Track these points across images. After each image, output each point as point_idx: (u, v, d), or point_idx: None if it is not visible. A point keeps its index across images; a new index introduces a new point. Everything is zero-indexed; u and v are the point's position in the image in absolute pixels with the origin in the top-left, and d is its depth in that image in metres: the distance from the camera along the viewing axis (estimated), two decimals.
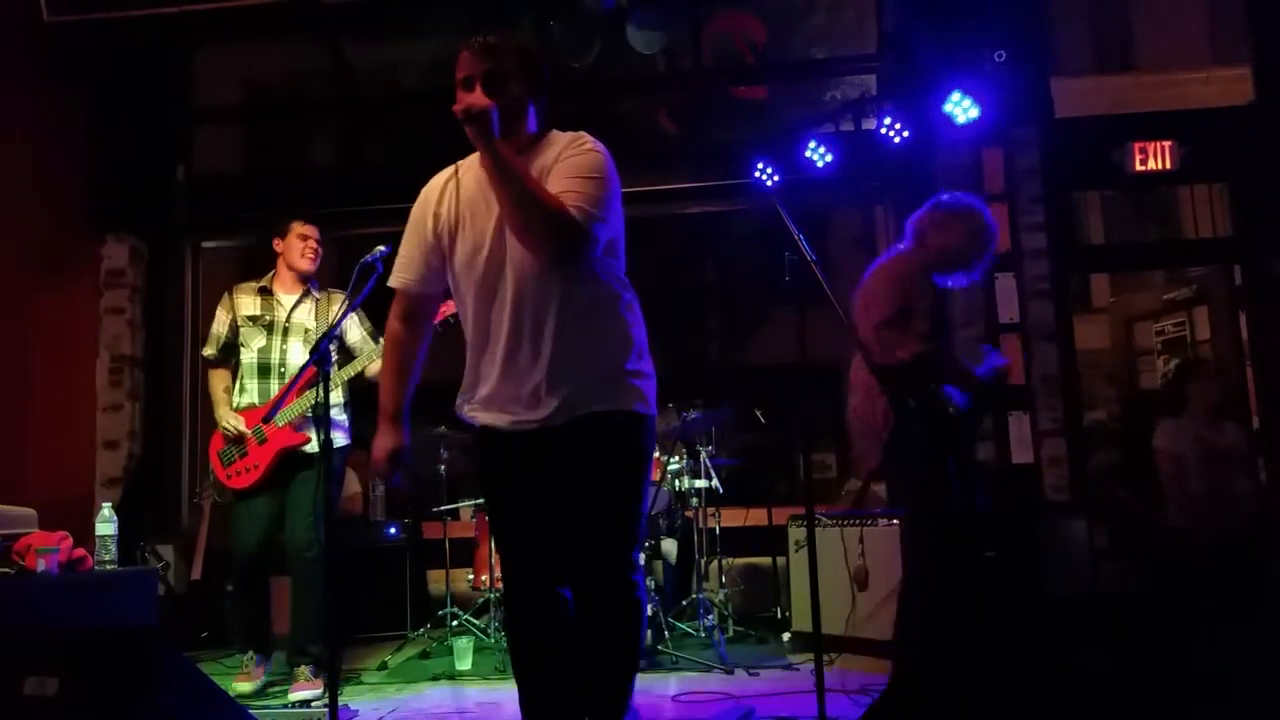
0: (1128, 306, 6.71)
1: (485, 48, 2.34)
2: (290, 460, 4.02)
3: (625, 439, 2.41)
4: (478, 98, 2.28)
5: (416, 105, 6.88)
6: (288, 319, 4.11)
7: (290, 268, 4.17)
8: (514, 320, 2.37)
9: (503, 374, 2.40)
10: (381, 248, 2.85)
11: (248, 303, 4.14)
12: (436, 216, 2.49)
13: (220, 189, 6.53)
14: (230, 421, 4.02)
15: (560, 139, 2.44)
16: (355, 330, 4.15)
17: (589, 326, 2.38)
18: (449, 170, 2.54)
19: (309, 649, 3.97)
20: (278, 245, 4.19)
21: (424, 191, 2.56)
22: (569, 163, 2.35)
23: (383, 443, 2.60)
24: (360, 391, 4.22)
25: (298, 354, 4.05)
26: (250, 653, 4.10)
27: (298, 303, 4.15)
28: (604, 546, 2.40)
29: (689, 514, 5.07)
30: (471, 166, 2.48)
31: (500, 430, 2.43)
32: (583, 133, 2.45)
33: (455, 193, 2.47)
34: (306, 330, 4.09)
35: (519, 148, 2.38)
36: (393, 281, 2.59)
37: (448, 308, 3.77)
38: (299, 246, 4.14)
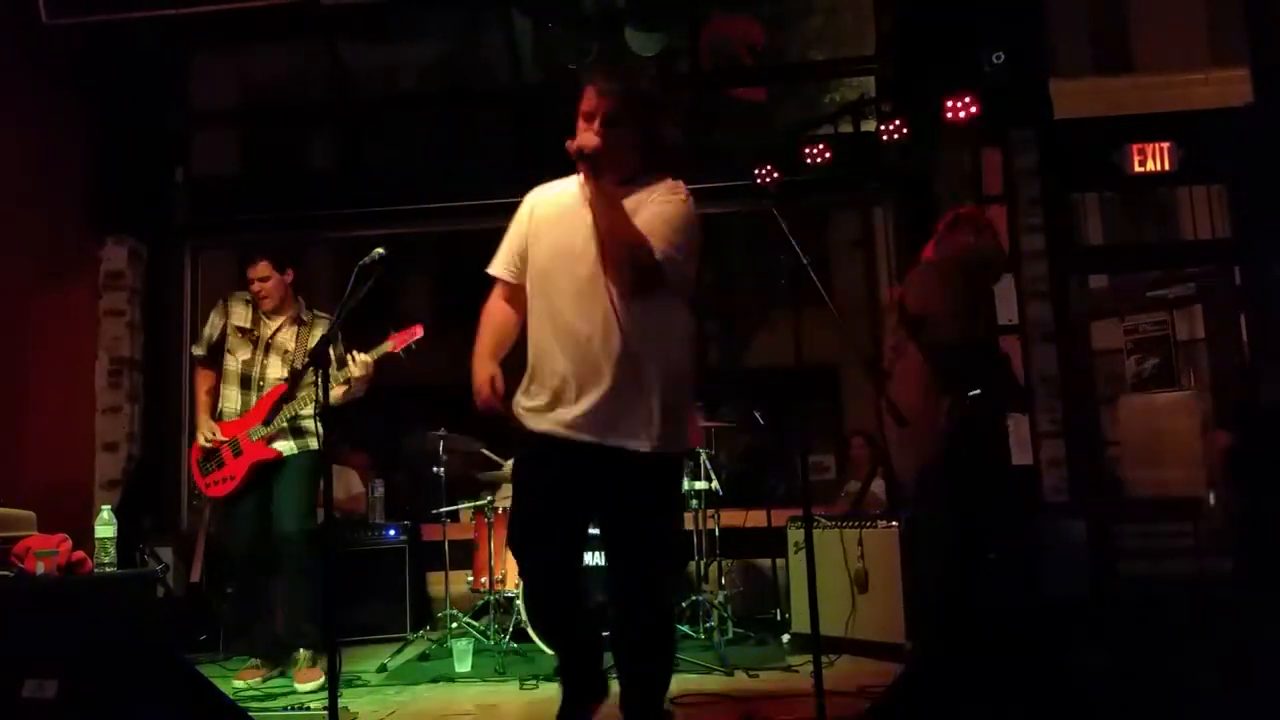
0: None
1: (611, 90, 2.62)
2: (266, 469, 4.19)
3: (674, 478, 2.80)
4: (589, 138, 2.53)
5: (414, 107, 6.89)
6: (271, 337, 4.30)
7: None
8: (591, 332, 2.58)
9: (566, 382, 2.60)
10: (380, 250, 2.87)
11: (240, 313, 4.33)
12: (531, 217, 2.77)
13: (219, 191, 6.53)
14: (206, 432, 4.20)
15: (660, 184, 2.71)
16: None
17: (665, 353, 2.61)
18: (552, 184, 2.83)
19: (306, 630, 4.10)
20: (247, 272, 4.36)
21: (528, 197, 2.85)
22: (659, 209, 2.62)
23: (480, 374, 2.70)
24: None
25: (276, 371, 4.26)
26: (254, 660, 4.23)
27: (283, 325, 4.33)
28: (649, 574, 2.71)
29: (688, 517, 5.07)
30: (569, 183, 2.76)
31: (554, 437, 2.62)
32: (680, 183, 2.74)
33: (550, 201, 2.76)
34: (286, 351, 4.28)
35: (626, 180, 2.66)
36: (492, 269, 2.85)
37: (411, 333, 4.03)
38: (254, 290, 4.29)
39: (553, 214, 2.72)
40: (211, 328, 4.35)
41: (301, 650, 4.16)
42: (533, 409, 2.67)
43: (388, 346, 4.06)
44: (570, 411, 2.58)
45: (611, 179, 2.58)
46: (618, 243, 2.53)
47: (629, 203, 2.61)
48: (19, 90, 5.51)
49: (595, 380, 2.56)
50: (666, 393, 2.60)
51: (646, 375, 2.57)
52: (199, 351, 4.40)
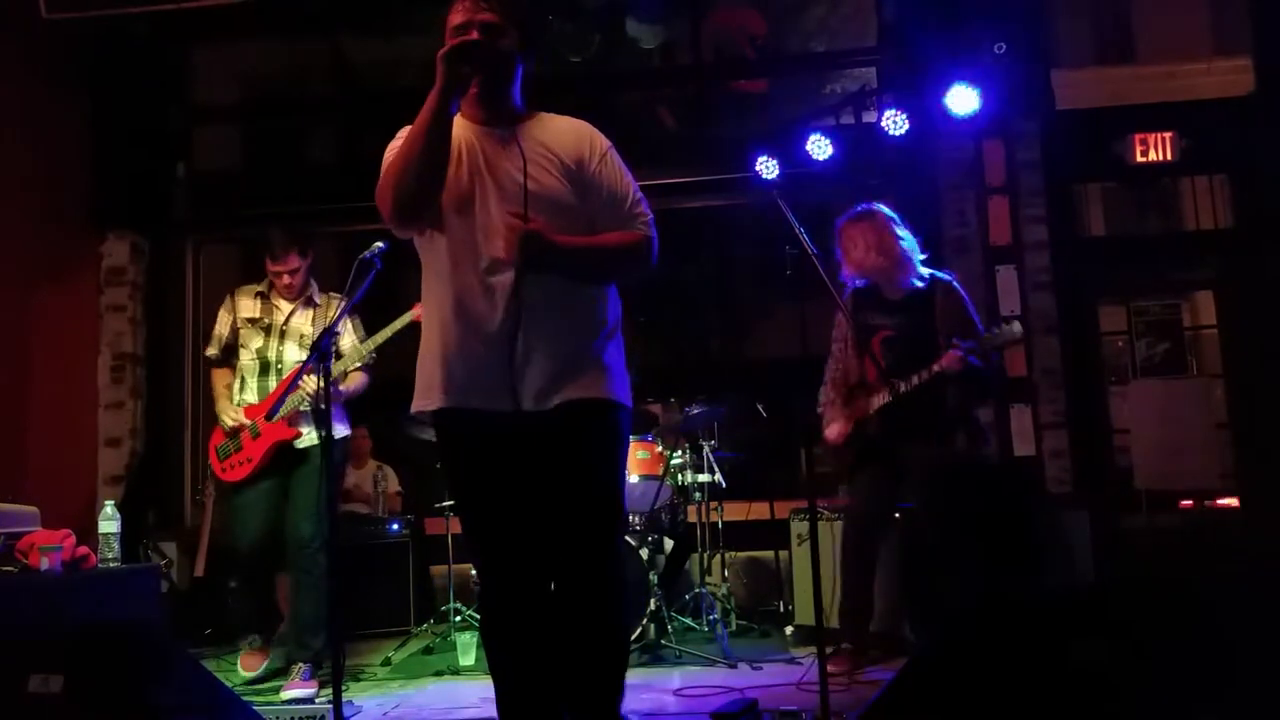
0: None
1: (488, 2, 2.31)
2: (286, 455, 4.06)
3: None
4: (523, 242, 2.18)
5: (415, 101, 6.86)
6: (285, 322, 4.17)
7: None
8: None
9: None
10: (380, 244, 2.86)
11: (247, 305, 4.21)
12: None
13: (220, 186, 6.53)
14: (229, 414, 4.09)
15: (565, 124, 2.42)
16: (348, 338, 4.19)
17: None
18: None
19: (310, 643, 3.98)
20: (269, 265, 4.20)
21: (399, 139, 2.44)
22: (617, 182, 2.36)
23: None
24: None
25: (294, 354, 4.11)
26: (254, 636, 4.14)
27: (296, 309, 4.20)
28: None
29: (691, 509, 5.08)
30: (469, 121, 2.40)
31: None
32: (590, 125, 2.43)
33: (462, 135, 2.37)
34: (302, 335, 4.15)
35: (510, 115, 2.37)
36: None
37: None
38: (274, 281, 4.18)
39: (467, 151, 2.35)
40: (221, 325, 4.23)
41: (298, 664, 3.99)
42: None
43: (412, 315, 3.87)
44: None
45: (499, 105, 2.35)
46: (619, 270, 2.40)
47: (543, 142, 2.33)
48: (19, 85, 5.50)
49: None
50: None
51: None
52: (212, 352, 4.25)
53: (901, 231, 3.92)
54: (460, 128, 2.37)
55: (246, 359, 4.15)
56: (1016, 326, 3.68)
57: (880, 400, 3.84)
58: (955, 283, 3.94)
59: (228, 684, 3.02)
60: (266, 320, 4.16)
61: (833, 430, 3.99)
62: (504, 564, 2.35)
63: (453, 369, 2.30)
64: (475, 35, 2.25)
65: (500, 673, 2.39)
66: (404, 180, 2.27)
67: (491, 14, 2.30)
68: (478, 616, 4.83)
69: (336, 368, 4.06)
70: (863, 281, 3.94)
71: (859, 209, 3.98)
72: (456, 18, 2.33)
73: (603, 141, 2.41)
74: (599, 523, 2.32)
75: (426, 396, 2.36)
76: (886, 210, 3.97)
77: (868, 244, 3.86)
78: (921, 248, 3.98)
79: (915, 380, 3.74)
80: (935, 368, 3.69)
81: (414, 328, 3.88)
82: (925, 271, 3.95)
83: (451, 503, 2.73)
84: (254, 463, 4.04)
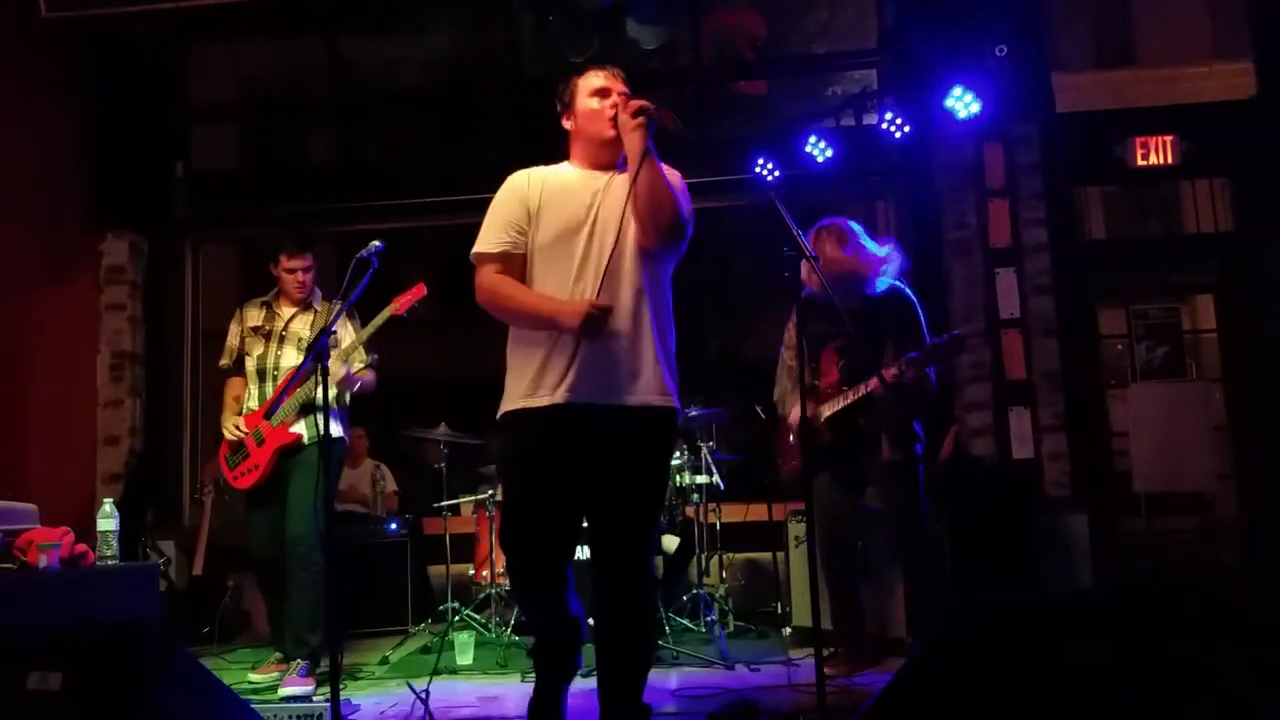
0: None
1: (620, 73, 2.79)
2: (288, 456, 4.09)
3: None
4: (646, 102, 2.62)
5: (414, 102, 6.88)
6: (284, 328, 4.22)
7: (285, 295, 4.29)
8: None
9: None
10: (376, 243, 2.87)
11: (253, 315, 4.29)
12: (528, 198, 2.72)
13: (219, 185, 6.54)
14: (230, 427, 4.16)
15: None
16: (348, 337, 4.19)
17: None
18: (529, 171, 2.79)
19: (306, 640, 3.99)
20: (274, 271, 4.27)
21: (510, 182, 2.79)
22: (670, 176, 2.74)
23: (575, 303, 2.59)
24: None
25: (290, 359, 4.16)
26: (278, 654, 4.16)
27: (296, 314, 4.26)
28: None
29: (689, 511, 5.08)
30: (553, 172, 2.78)
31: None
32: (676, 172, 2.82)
33: (540, 185, 2.74)
34: (300, 339, 4.19)
35: (612, 165, 2.77)
36: (487, 247, 2.71)
37: (415, 293, 3.90)
38: (286, 279, 4.24)
39: (552, 193, 2.72)
40: (232, 337, 4.30)
41: (295, 660, 3.99)
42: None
43: (390, 310, 3.94)
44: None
45: (611, 158, 2.74)
46: (663, 204, 2.64)
47: (622, 182, 2.71)
48: (19, 84, 5.51)
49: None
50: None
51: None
52: (225, 363, 4.33)
53: (864, 243, 3.93)
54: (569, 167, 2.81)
55: (250, 366, 4.22)
56: (946, 337, 3.65)
57: (829, 409, 3.90)
58: (910, 294, 3.95)
59: (225, 682, 3.01)
60: (268, 327, 4.24)
61: (796, 414, 4.00)
62: (546, 542, 2.65)
63: (572, 367, 2.58)
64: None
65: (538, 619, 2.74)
66: (509, 318, 2.70)
67: (625, 84, 2.77)
68: (475, 616, 4.87)
69: (333, 358, 4.00)
70: (817, 290, 3.79)
71: (821, 223, 3.96)
72: (597, 80, 2.75)
73: (677, 177, 2.80)
74: (653, 513, 2.73)
75: (534, 395, 2.61)
76: (850, 224, 3.97)
77: (825, 257, 3.83)
78: (906, 257, 3.98)
79: (848, 398, 3.82)
80: (863, 389, 3.76)
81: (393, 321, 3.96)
82: (884, 283, 3.95)
83: (504, 477, 2.97)
84: (261, 469, 4.08)
